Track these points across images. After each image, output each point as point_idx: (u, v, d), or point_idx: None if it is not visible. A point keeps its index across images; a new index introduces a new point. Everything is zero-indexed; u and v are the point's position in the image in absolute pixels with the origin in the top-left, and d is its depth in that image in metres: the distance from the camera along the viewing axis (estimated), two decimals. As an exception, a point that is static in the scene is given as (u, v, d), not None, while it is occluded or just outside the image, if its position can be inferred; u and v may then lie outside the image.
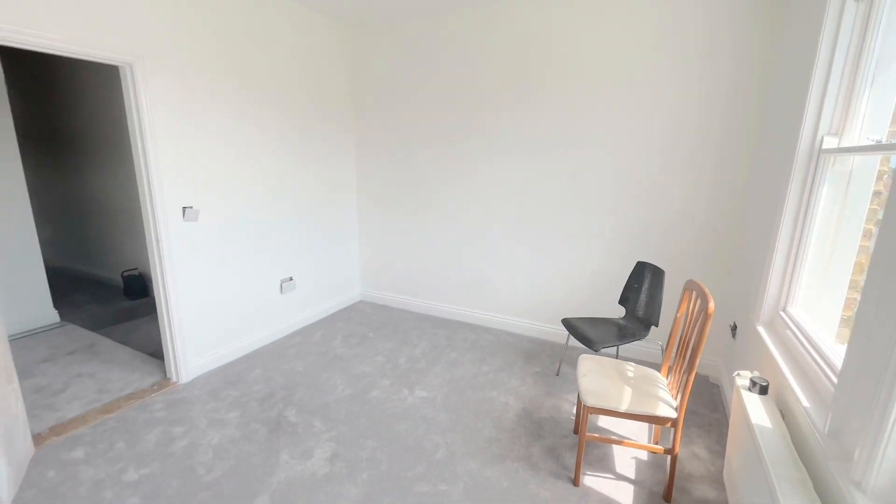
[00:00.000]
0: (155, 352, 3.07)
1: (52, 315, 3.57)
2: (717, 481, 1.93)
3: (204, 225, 2.75)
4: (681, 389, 1.77)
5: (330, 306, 3.94)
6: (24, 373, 2.75)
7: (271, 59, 3.05)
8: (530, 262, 3.39)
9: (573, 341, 3.20)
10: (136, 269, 4.32)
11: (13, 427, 1.85)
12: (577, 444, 2.15)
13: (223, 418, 2.33)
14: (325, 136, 3.63)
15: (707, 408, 2.51)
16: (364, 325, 3.68)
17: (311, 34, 3.35)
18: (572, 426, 2.30)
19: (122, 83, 2.34)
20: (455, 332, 3.56)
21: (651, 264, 2.66)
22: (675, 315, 2.00)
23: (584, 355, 2.17)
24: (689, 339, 1.79)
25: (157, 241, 2.52)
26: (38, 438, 2.13)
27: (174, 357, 2.67)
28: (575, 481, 1.90)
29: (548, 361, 3.06)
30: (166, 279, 2.57)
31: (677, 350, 1.92)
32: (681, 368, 1.83)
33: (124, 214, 4.34)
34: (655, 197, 2.86)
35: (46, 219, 5.00)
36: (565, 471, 1.98)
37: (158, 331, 2.80)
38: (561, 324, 3.16)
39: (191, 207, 2.65)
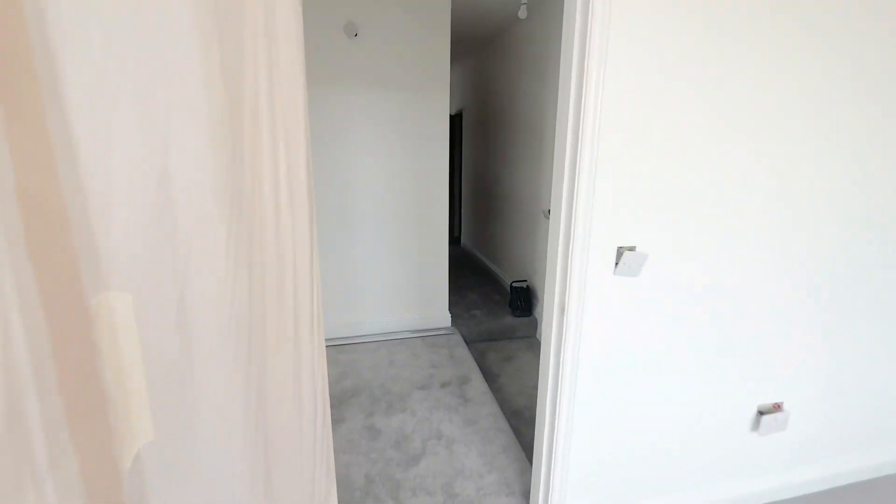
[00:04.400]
0: (522, 419, 2.13)
1: (446, 320, 3.39)
2: None
3: (642, 283, 1.39)
4: None
5: (854, 469, 1.85)
6: (399, 400, 2.40)
7: None
8: None
9: None
10: (525, 281, 3.70)
11: None
12: None
13: None
14: None
15: None
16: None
17: None
18: None
19: (564, 25, 1.21)
20: None
21: None
22: None
23: None
24: None
25: (562, 308, 1.36)
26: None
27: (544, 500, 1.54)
28: None
29: None
30: (561, 384, 1.40)
31: None
32: None
33: (527, 218, 3.76)
34: None
35: (468, 205, 5.33)
36: None
37: (533, 368, 1.76)
38: None
39: (632, 249, 1.33)
